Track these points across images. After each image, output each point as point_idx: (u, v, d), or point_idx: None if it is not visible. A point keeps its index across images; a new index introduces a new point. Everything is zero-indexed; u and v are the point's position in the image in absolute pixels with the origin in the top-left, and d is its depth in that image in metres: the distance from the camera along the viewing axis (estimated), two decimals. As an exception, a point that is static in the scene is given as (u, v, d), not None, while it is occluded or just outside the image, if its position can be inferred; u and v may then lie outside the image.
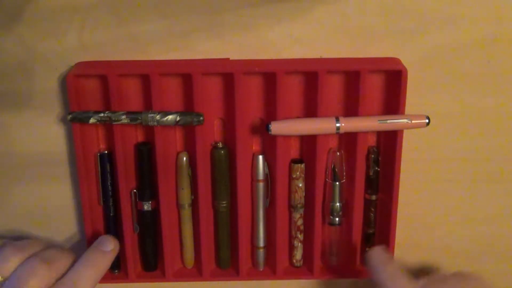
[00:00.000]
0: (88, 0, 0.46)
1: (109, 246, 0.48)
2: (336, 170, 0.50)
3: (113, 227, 0.52)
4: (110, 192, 0.51)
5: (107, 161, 0.50)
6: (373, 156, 0.50)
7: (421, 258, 0.51)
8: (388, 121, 0.46)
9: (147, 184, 0.50)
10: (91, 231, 0.51)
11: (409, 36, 0.47)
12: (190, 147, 0.50)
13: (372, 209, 0.52)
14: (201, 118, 0.47)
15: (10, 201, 0.52)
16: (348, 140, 0.49)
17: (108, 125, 0.49)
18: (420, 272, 0.50)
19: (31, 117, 0.49)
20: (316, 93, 0.46)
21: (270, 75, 0.47)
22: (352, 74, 0.47)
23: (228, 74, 0.47)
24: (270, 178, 0.51)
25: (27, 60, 0.47)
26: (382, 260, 0.48)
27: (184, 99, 0.48)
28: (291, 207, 0.52)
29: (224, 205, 0.51)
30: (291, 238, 0.53)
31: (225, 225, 0.52)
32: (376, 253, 0.49)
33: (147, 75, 0.46)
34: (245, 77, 0.47)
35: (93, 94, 0.48)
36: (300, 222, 0.52)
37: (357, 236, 0.52)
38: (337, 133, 0.46)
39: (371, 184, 0.51)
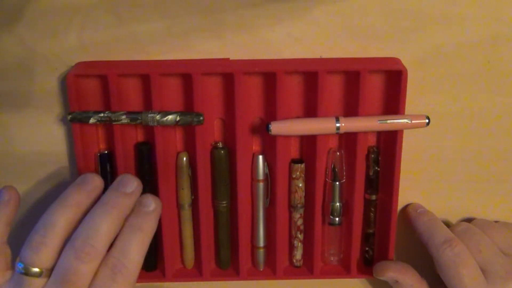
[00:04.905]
0: (88, 0, 0.46)
1: (151, 205, 0.43)
2: (336, 170, 0.50)
3: (113, 227, 0.52)
4: (110, 192, 0.51)
5: (107, 161, 0.50)
6: (373, 156, 0.50)
7: (421, 258, 0.50)
8: (388, 121, 0.46)
9: (147, 184, 0.50)
10: (91, 231, 0.51)
11: (409, 36, 0.47)
12: (190, 147, 0.50)
13: (372, 209, 0.52)
14: (201, 118, 0.47)
15: (10, 201, 0.52)
16: (348, 140, 0.49)
17: (108, 125, 0.49)
18: (421, 271, 0.50)
19: (31, 117, 0.49)
20: (316, 93, 0.46)
21: (270, 75, 0.47)
22: (352, 74, 0.47)
23: (228, 74, 0.47)
24: (270, 178, 0.51)
25: (27, 60, 0.47)
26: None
27: (184, 99, 0.48)
28: (291, 207, 0.52)
29: (224, 205, 0.51)
30: (291, 238, 0.53)
31: (225, 225, 0.52)
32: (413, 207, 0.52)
33: (147, 75, 0.46)
34: (245, 77, 0.47)
35: (93, 94, 0.48)
36: (300, 222, 0.52)
37: (357, 236, 0.52)
38: (337, 133, 0.46)
39: (371, 184, 0.51)
